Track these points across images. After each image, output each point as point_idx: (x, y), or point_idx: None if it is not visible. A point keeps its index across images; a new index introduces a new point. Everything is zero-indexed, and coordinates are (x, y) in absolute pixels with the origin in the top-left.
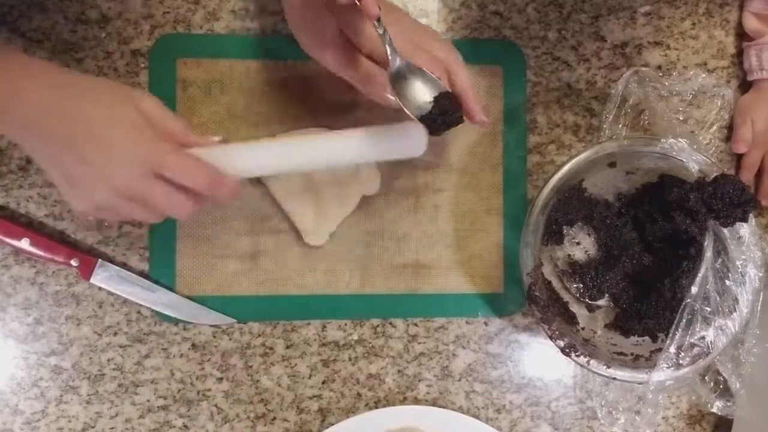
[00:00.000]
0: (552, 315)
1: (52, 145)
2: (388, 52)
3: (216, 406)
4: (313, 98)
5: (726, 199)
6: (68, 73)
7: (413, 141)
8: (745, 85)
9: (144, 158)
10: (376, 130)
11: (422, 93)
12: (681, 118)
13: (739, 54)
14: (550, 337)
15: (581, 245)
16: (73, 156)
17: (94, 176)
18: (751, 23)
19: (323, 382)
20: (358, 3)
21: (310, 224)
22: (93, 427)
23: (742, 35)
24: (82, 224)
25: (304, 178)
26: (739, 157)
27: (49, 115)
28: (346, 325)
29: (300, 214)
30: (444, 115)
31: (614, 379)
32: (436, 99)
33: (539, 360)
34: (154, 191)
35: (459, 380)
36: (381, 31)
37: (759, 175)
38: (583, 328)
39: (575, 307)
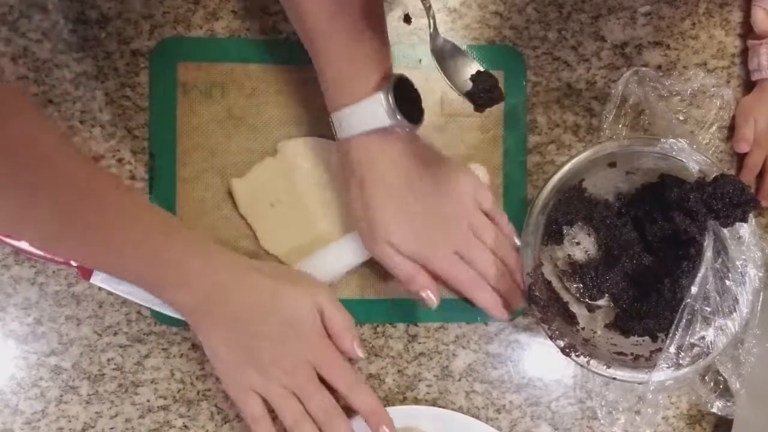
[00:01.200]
0: (552, 315)
1: (234, 331)
2: (431, 28)
3: (216, 406)
4: (313, 101)
5: (726, 199)
6: (263, 273)
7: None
8: (746, 85)
9: (312, 356)
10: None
11: (463, 71)
12: (681, 118)
13: (741, 54)
14: (550, 337)
15: (581, 245)
16: (253, 341)
17: (266, 358)
18: (761, 20)
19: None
20: None
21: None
22: (93, 427)
23: (745, 35)
24: None
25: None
26: (740, 157)
27: (246, 313)
28: None
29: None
30: (489, 91)
31: (614, 379)
32: (475, 77)
33: (539, 360)
34: (309, 391)
35: (459, 380)
36: (428, 5)
37: (760, 175)
38: (583, 328)
39: (575, 307)
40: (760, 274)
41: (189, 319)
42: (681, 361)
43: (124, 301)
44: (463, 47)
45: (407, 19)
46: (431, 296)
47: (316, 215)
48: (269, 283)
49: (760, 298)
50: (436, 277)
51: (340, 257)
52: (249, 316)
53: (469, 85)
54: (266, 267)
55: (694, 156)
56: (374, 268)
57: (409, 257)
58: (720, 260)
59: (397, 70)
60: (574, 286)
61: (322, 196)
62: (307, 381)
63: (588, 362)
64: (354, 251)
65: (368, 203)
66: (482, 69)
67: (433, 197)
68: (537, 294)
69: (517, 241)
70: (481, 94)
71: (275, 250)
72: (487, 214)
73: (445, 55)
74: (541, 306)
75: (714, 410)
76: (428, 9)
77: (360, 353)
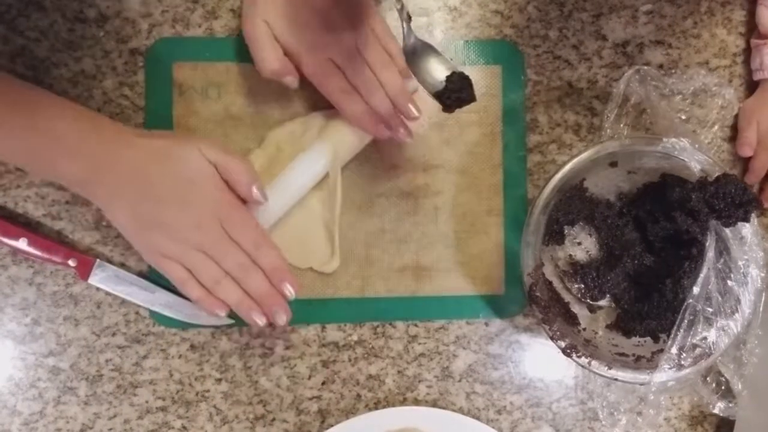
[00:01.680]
0: (553, 315)
1: (130, 196)
2: (403, 28)
3: (215, 407)
4: (311, 100)
5: (728, 199)
6: (149, 136)
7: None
8: (748, 84)
9: (214, 210)
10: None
11: (435, 71)
12: (683, 118)
13: (743, 53)
14: (551, 338)
15: (582, 245)
16: (152, 204)
17: (167, 227)
18: (766, 19)
19: (323, 383)
20: None
21: (321, 258)
22: (91, 428)
23: (747, 33)
24: (80, 224)
25: (291, 217)
26: (743, 157)
27: (138, 177)
28: (345, 325)
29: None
30: (457, 92)
31: (616, 380)
32: (449, 77)
33: (540, 361)
34: (218, 244)
35: (459, 381)
36: (399, 6)
37: (765, 177)
38: (584, 329)
39: (576, 308)
40: (763, 275)
41: (83, 192)
42: (683, 362)
43: (123, 302)
44: (460, 42)
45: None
46: (294, 81)
47: (297, 199)
48: (157, 144)
49: (763, 299)
50: (304, 77)
51: (297, 178)
52: (142, 180)
53: (441, 85)
54: (153, 134)
55: (695, 155)
56: (374, 268)
57: (282, 45)
58: (722, 260)
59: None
60: (576, 286)
61: (302, 178)
62: (217, 239)
63: (589, 363)
64: (310, 167)
65: None
66: (457, 71)
67: (326, 4)
68: (538, 294)
69: (261, 198)
70: (450, 94)
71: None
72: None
73: (417, 53)
74: (542, 306)
75: (716, 411)
76: (400, 10)
77: (262, 197)
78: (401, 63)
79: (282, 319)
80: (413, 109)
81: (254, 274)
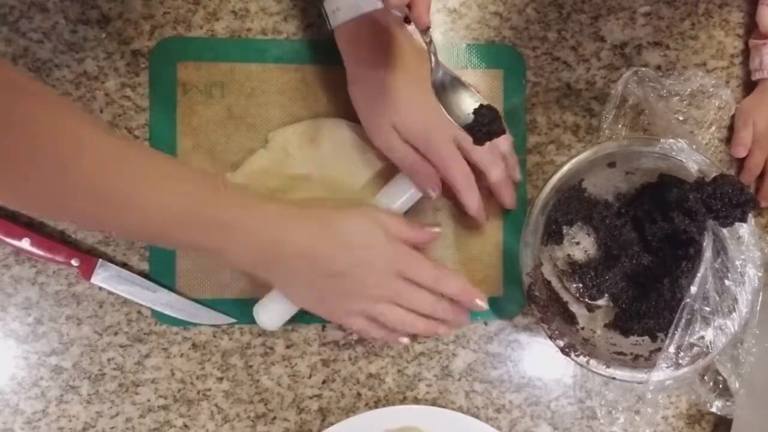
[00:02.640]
0: (552, 315)
1: (306, 274)
2: (432, 62)
3: (216, 405)
4: (314, 101)
5: (725, 199)
6: (323, 214)
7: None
8: (745, 85)
9: (389, 264)
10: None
11: (464, 104)
12: (680, 118)
13: (740, 54)
14: (550, 337)
15: (581, 245)
16: (331, 278)
17: (351, 288)
18: (766, 19)
19: (323, 382)
20: (408, 12)
21: None
22: (93, 427)
23: (744, 35)
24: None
25: None
26: (740, 158)
27: (312, 256)
28: None
29: None
30: (487, 125)
31: (614, 378)
32: (477, 110)
33: (539, 360)
34: (402, 293)
35: (459, 380)
36: (428, 40)
37: (760, 176)
38: (582, 328)
39: (575, 307)
40: (760, 274)
41: (256, 275)
42: (680, 361)
43: (125, 301)
44: (462, 46)
45: (407, 20)
46: (435, 191)
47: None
48: (324, 219)
49: (760, 298)
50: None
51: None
52: (317, 258)
53: (470, 118)
54: (312, 203)
55: (693, 156)
56: None
57: (410, 143)
58: (719, 260)
59: None
60: (574, 285)
61: (312, 181)
62: (398, 287)
63: (587, 362)
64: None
65: (373, 84)
66: (484, 103)
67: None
68: (537, 294)
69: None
70: (481, 128)
71: None
72: None
73: (446, 87)
74: (540, 306)
75: (713, 410)
76: (429, 44)
77: (436, 229)
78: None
79: (461, 322)
80: (518, 171)
81: (440, 304)
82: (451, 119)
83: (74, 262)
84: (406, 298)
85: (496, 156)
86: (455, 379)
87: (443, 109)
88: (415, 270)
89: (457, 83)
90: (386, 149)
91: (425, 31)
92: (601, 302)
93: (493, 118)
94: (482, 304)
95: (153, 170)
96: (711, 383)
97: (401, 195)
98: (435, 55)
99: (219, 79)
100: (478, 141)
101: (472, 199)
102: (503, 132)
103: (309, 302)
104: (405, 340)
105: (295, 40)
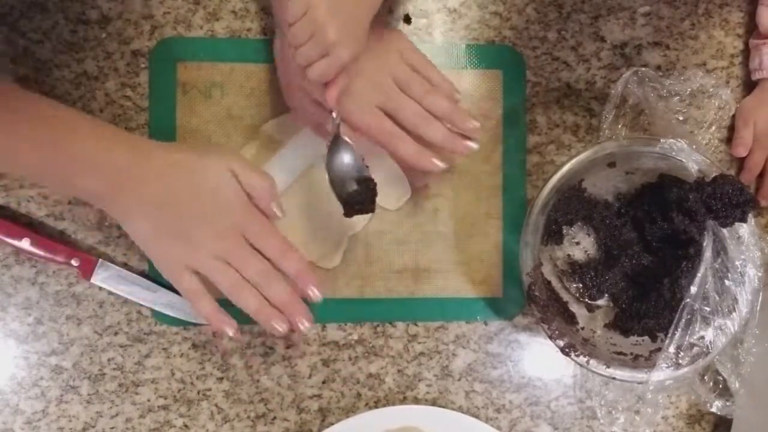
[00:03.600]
0: (552, 315)
1: (150, 209)
2: (333, 125)
3: (216, 405)
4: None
5: (725, 199)
6: (169, 148)
7: None
8: (745, 85)
9: (233, 220)
10: None
11: (349, 172)
12: (680, 118)
13: (740, 54)
14: (550, 337)
15: (581, 245)
16: (173, 216)
17: (184, 238)
18: (766, 19)
19: (323, 382)
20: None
21: (321, 251)
22: (93, 427)
23: (744, 35)
24: (83, 224)
25: (305, 206)
26: (740, 158)
27: (159, 190)
28: (346, 325)
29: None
30: (360, 204)
31: (614, 378)
32: (360, 183)
33: (539, 360)
34: (239, 253)
35: (459, 380)
36: (334, 116)
37: (760, 175)
38: (582, 328)
39: (575, 307)
40: (760, 274)
41: (102, 205)
42: (680, 361)
43: (125, 301)
44: (462, 46)
45: (407, 19)
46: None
47: (292, 179)
48: (177, 156)
49: (760, 298)
50: (356, 129)
51: (291, 162)
52: (163, 193)
53: (349, 188)
54: (171, 145)
55: (693, 156)
56: (374, 268)
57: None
58: (719, 260)
59: None
60: (574, 285)
61: (297, 169)
62: (237, 247)
63: (587, 362)
64: (303, 155)
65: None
66: (367, 177)
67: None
68: (537, 294)
69: (457, 96)
70: (353, 204)
71: None
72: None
73: (338, 152)
74: (540, 306)
75: (713, 410)
76: (333, 120)
77: (279, 213)
78: (448, 87)
79: (305, 325)
80: (472, 120)
81: (276, 281)
82: (330, 184)
83: (74, 262)
84: (242, 259)
85: (428, 116)
86: (455, 379)
87: (326, 175)
88: (259, 232)
89: (349, 152)
90: (298, 108)
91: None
92: (601, 302)
93: (370, 197)
94: (317, 293)
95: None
96: (711, 383)
97: (294, 160)
98: (338, 127)
99: (219, 79)
100: (347, 213)
101: (405, 149)
102: (372, 212)
103: (144, 238)
104: (231, 332)
105: None
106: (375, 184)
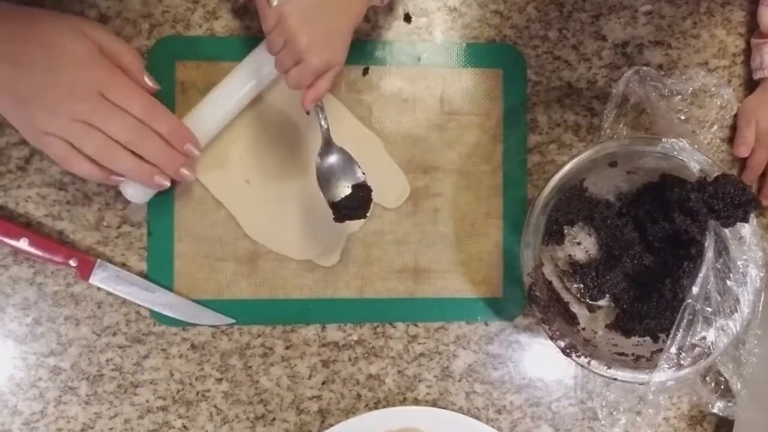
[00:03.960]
0: (552, 315)
1: (3, 71)
2: (322, 130)
3: (215, 406)
4: None
5: (727, 199)
6: (32, 12)
7: None
8: (747, 84)
9: (90, 80)
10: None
11: (341, 177)
12: (682, 118)
13: (742, 53)
14: (551, 338)
15: (582, 245)
16: (23, 75)
17: (42, 99)
18: (767, 18)
19: (323, 383)
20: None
21: (319, 248)
22: (92, 428)
23: (746, 34)
24: (81, 224)
25: (303, 204)
26: (743, 158)
27: (8, 49)
28: (345, 325)
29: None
30: (352, 209)
31: (615, 379)
32: (354, 188)
33: (540, 360)
34: (99, 111)
35: (459, 381)
36: (320, 115)
37: (762, 175)
38: (583, 329)
39: (576, 308)
40: (762, 274)
41: None
42: (682, 362)
43: (123, 302)
44: (462, 45)
45: (407, 18)
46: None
47: (237, 110)
48: (23, 13)
49: (762, 299)
50: None
51: (236, 86)
52: (13, 52)
53: (342, 194)
54: (21, 8)
55: (695, 155)
56: (374, 268)
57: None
58: (721, 260)
59: (396, 68)
60: (575, 286)
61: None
62: (97, 105)
63: (589, 363)
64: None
65: None
66: (363, 182)
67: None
68: (537, 294)
69: (151, 83)
70: (344, 209)
71: (258, 235)
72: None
73: (329, 156)
74: (541, 306)
75: (715, 411)
76: (320, 116)
77: (151, 83)
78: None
79: (189, 176)
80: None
81: (148, 137)
82: (321, 190)
83: (72, 263)
84: (105, 119)
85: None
86: (456, 380)
87: (317, 180)
88: (120, 88)
89: (341, 157)
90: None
91: (308, 112)
92: (602, 303)
93: (363, 203)
94: (194, 150)
95: None
96: (713, 384)
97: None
98: (326, 124)
99: (218, 78)
100: (337, 219)
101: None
102: (364, 217)
103: (8, 108)
104: (162, 181)
105: None
106: (370, 190)
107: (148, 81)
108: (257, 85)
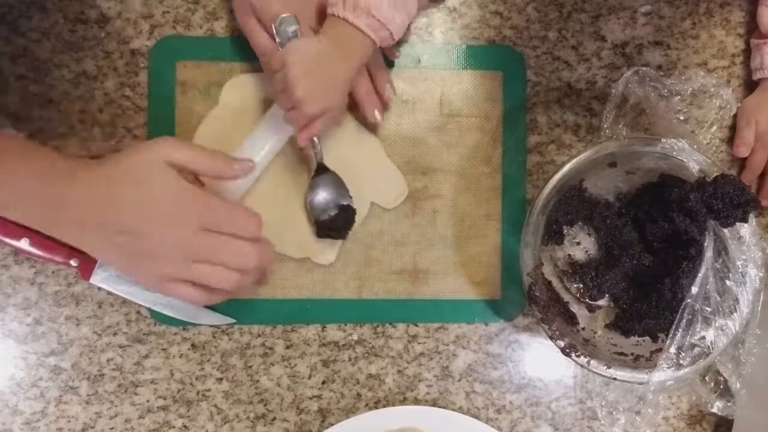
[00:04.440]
0: (552, 315)
1: (101, 229)
2: (316, 158)
3: (216, 406)
4: None
5: (726, 199)
6: (102, 163)
7: None
8: (746, 85)
9: (189, 215)
10: None
11: (330, 200)
12: (681, 118)
13: (741, 53)
14: (551, 337)
15: (581, 245)
16: (128, 233)
17: (153, 245)
18: (766, 19)
19: (323, 383)
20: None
21: (317, 247)
22: (92, 428)
23: (745, 34)
24: None
25: (300, 203)
26: (742, 158)
27: (102, 206)
28: (345, 325)
29: (304, 242)
30: (334, 230)
31: (614, 379)
32: (339, 209)
33: (539, 360)
34: (209, 243)
35: (459, 380)
36: (313, 146)
37: (762, 175)
38: (583, 328)
39: (575, 307)
40: (761, 274)
41: (54, 232)
42: (681, 362)
43: (124, 302)
44: (462, 46)
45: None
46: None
47: (272, 156)
48: (113, 167)
49: (761, 298)
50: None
51: (265, 138)
52: (108, 210)
53: (329, 213)
54: (105, 158)
55: (694, 156)
56: (373, 269)
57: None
58: (720, 260)
59: (396, 69)
60: (575, 286)
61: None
62: (206, 242)
63: (588, 362)
64: (275, 129)
65: None
66: (349, 204)
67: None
68: (537, 294)
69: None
70: (329, 229)
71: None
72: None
73: (322, 176)
74: (541, 306)
75: (714, 410)
76: (314, 148)
77: (248, 168)
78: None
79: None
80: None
81: (252, 253)
82: (308, 206)
83: (73, 263)
84: (220, 252)
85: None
86: (455, 379)
87: (306, 201)
88: (222, 217)
89: (332, 179)
90: (247, 32)
91: (302, 148)
92: (601, 302)
93: (346, 224)
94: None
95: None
96: (712, 384)
97: (267, 137)
98: (320, 150)
99: (218, 78)
100: (319, 234)
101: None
102: (344, 238)
103: (121, 264)
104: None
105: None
106: (354, 212)
107: (242, 168)
108: (281, 138)
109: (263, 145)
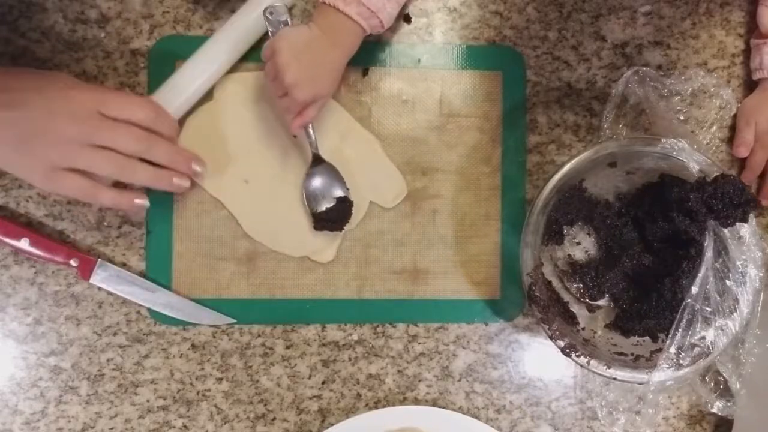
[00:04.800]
0: (552, 315)
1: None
2: (311, 148)
3: (216, 406)
4: None
5: (726, 199)
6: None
7: None
8: (746, 85)
9: (86, 102)
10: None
11: (326, 192)
12: (681, 118)
13: (741, 53)
14: (551, 337)
15: (581, 245)
16: (20, 114)
17: (43, 133)
18: (766, 19)
19: (323, 383)
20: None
21: (315, 245)
22: (92, 428)
23: (745, 34)
24: (82, 224)
25: (298, 201)
26: (742, 158)
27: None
28: (345, 325)
29: (302, 240)
30: (331, 222)
31: (614, 379)
32: (336, 202)
33: (539, 360)
34: (103, 128)
35: (459, 380)
36: (310, 136)
37: (761, 175)
38: (583, 328)
39: (575, 307)
40: (761, 274)
41: None
42: (681, 362)
43: (124, 302)
44: (462, 46)
45: (407, 18)
46: None
47: (289, 185)
48: (14, 69)
49: (761, 298)
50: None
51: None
52: (8, 99)
53: (326, 204)
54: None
55: (694, 156)
56: (373, 269)
57: None
58: (720, 260)
59: (396, 69)
60: (575, 286)
61: (261, 127)
62: (99, 123)
63: (588, 362)
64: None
65: None
66: (347, 196)
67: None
68: (537, 294)
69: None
70: (326, 221)
71: (257, 234)
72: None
73: (319, 167)
74: (541, 306)
75: (714, 410)
76: (310, 137)
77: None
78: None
79: (201, 171)
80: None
81: (157, 142)
82: (305, 200)
83: (73, 263)
84: (110, 135)
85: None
86: (455, 379)
87: (303, 190)
88: (118, 104)
89: (330, 170)
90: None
91: (296, 135)
92: (601, 302)
93: (343, 216)
94: (198, 168)
95: None
96: (712, 384)
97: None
98: (315, 139)
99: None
100: (316, 227)
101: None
102: (340, 230)
103: (12, 155)
104: (146, 203)
105: None
106: (351, 204)
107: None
108: (235, 51)
109: (217, 53)
